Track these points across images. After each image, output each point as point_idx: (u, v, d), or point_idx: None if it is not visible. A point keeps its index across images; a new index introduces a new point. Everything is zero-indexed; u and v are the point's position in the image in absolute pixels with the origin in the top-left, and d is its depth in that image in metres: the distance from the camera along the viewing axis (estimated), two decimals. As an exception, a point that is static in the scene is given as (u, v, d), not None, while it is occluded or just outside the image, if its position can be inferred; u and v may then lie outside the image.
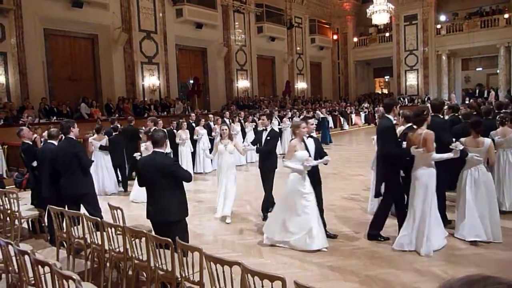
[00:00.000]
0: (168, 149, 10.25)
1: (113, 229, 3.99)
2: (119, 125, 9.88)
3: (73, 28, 15.10)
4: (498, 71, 24.63)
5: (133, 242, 3.77)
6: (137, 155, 7.87)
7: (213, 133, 11.52)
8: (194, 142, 11.02)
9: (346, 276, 4.30)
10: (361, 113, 24.51)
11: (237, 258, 4.00)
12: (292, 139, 5.40)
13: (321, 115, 17.13)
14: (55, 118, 12.89)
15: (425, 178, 4.71)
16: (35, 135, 7.45)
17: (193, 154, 10.99)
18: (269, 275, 2.50)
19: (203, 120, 11.38)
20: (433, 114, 5.49)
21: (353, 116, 23.48)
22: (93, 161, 6.09)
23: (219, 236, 5.83)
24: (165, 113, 15.98)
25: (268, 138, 6.43)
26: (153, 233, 3.80)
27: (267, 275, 2.51)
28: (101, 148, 8.75)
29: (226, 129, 6.72)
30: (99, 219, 4.12)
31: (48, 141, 5.72)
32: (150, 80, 16.75)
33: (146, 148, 7.24)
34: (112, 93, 15.85)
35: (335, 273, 4.37)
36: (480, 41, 24.03)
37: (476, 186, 5.03)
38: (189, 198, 8.91)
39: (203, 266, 3.06)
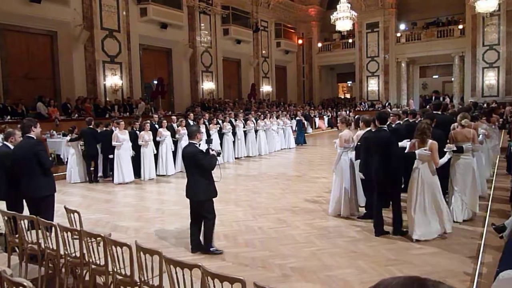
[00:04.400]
0: (131, 152, 10.18)
1: (69, 233, 3.84)
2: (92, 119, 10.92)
3: (31, 24, 14.45)
4: (452, 79, 25.89)
5: (90, 246, 3.65)
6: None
7: (177, 135, 11.38)
8: (157, 144, 10.85)
9: (307, 276, 4.36)
10: (324, 117, 25.01)
11: (199, 261, 3.98)
12: None
13: (297, 118, 17.79)
14: (9, 117, 12.29)
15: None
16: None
17: (156, 156, 10.80)
18: (229, 277, 2.50)
19: (165, 121, 11.25)
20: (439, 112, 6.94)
21: (316, 119, 23.92)
22: (54, 161, 5.84)
23: (182, 239, 5.75)
24: (128, 114, 15.61)
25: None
26: (111, 236, 3.69)
27: (227, 278, 2.50)
28: (71, 140, 10.30)
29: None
30: (54, 223, 3.96)
31: (4, 142, 5.44)
32: (112, 80, 16.31)
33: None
34: (72, 92, 15.28)
35: (296, 274, 4.43)
36: (437, 50, 25.24)
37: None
38: (152, 200, 8.79)
39: (163, 269, 3.01)
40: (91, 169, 10.47)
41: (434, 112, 7.10)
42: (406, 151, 5.52)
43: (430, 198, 5.27)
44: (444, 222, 5.33)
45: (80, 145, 10.45)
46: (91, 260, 3.67)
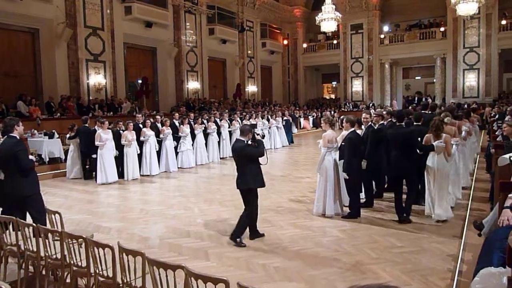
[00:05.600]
0: (114, 152, 10.08)
1: (50, 234, 3.78)
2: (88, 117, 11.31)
3: (12, 21, 14.13)
4: (434, 80, 26.37)
5: (72, 247, 3.60)
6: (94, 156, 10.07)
7: (161, 135, 11.30)
8: (141, 144, 10.75)
9: (291, 276, 4.38)
10: (309, 117, 25.17)
11: (183, 261, 3.95)
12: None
13: (285, 118, 17.87)
14: (-12, 116, 12.01)
15: None
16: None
17: (140, 156, 10.71)
18: (213, 278, 2.49)
19: (149, 121, 11.16)
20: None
21: (301, 120, 24.05)
22: (33, 161, 5.70)
23: (166, 240, 5.72)
24: (112, 113, 15.42)
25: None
26: (94, 237, 3.64)
27: (210, 278, 2.50)
28: (69, 138, 10.83)
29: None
30: (34, 224, 3.89)
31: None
32: (96, 79, 16.09)
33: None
34: (54, 91, 15.02)
35: (280, 274, 4.45)
36: (419, 52, 25.70)
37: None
38: (135, 201, 8.69)
39: (146, 271, 2.99)
40: (87, 166, 10.81)
41: (422, 111, 7.94)
42: (423, 144, 6.17)
43: (440, 184, 5.89)
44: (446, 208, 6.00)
45: (78, 143, 10.80)
46: (72, 262, 3.61)
